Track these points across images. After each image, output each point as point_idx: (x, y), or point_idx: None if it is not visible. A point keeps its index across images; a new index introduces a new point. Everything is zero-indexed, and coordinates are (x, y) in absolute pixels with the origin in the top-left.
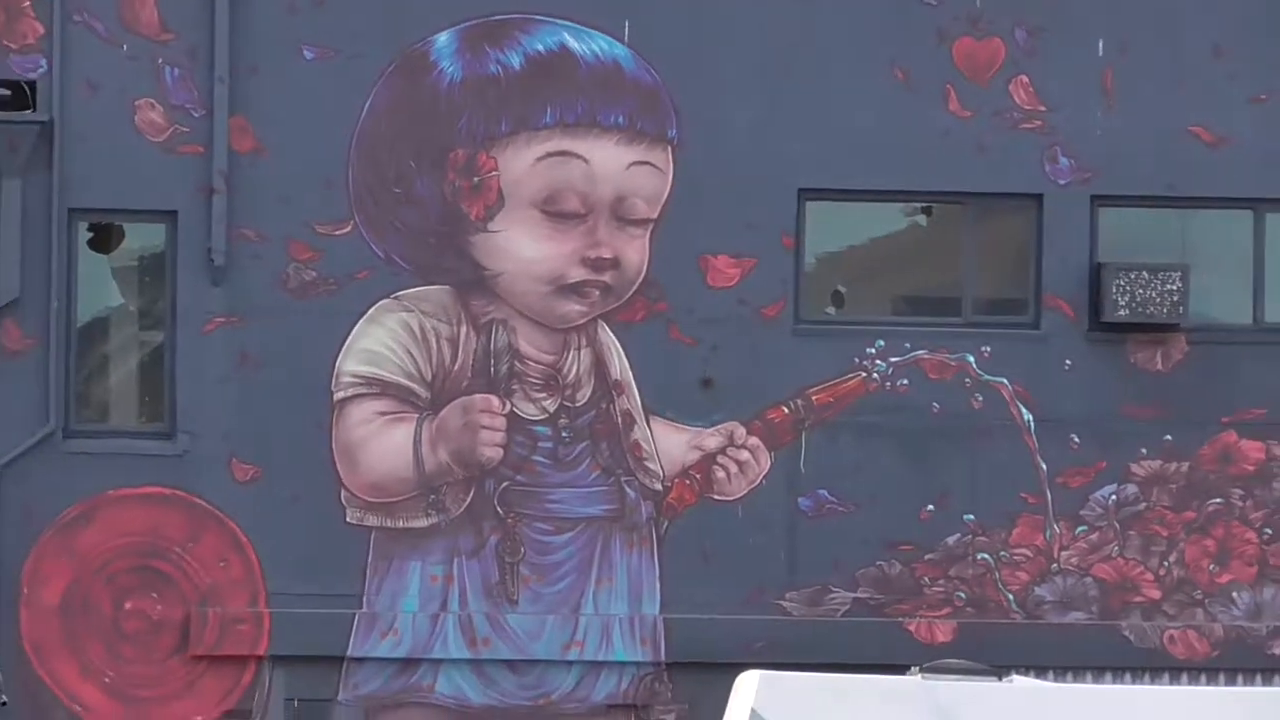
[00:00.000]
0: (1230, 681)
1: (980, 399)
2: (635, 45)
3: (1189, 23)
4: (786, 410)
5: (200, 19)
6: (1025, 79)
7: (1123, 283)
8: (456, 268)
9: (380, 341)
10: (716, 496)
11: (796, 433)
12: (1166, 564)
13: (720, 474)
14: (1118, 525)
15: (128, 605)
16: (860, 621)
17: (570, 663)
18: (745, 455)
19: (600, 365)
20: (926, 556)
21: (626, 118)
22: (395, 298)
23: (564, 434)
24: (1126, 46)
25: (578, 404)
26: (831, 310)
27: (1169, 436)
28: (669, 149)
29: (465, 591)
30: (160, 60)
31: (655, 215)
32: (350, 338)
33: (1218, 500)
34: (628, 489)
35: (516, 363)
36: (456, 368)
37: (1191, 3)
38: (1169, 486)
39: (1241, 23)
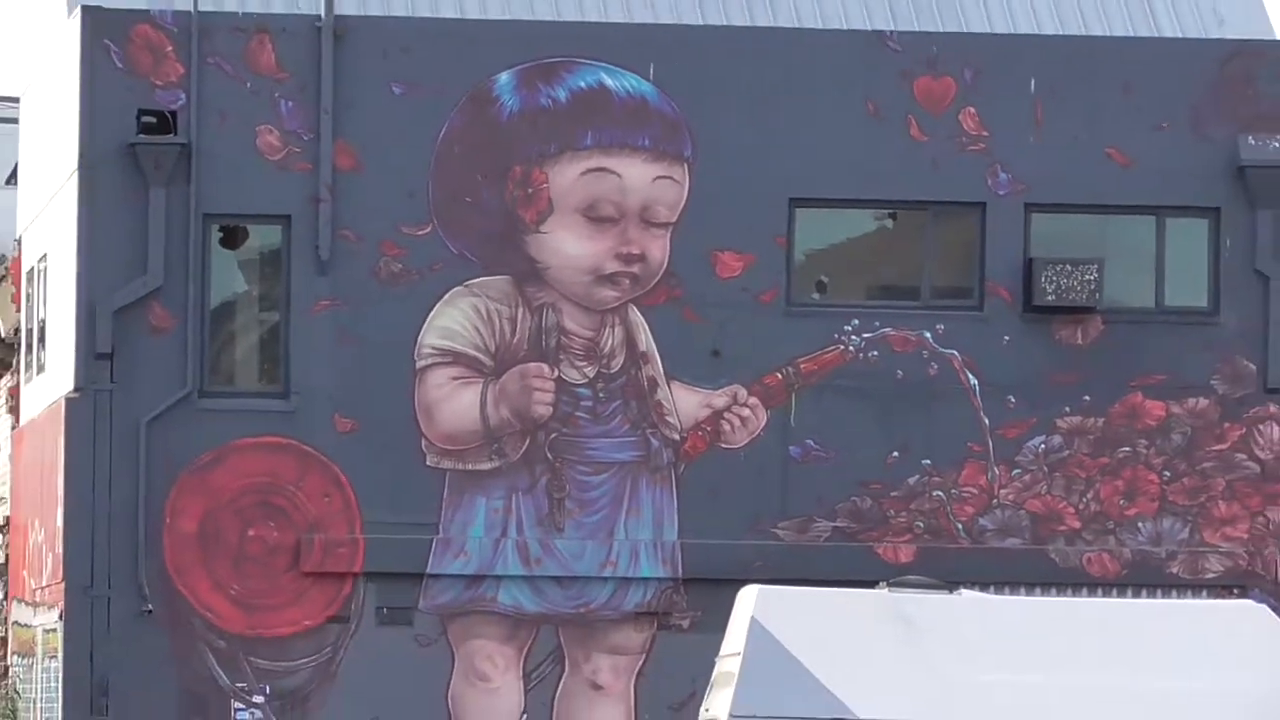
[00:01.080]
0: (1136, 594)
1: (935, 367)
2: (659, 83)
3: (1103, 67)
4: (780, 376)
5: (309, 61)
6: (972, 110)
7: (1050, 274)
8: (515, 261)
9: (454, 320)
10: (723, 445)
11: (788, 394)
12: (1085, 500)
13: (726, 427)
14: (1046, 469)
15: (250, 532)
16: (838, 546)
17: (606, 578)
18: (746, 412)
19: (630, 339)
20: (892, 493)
21: (651, 141)
22: (465, 285)
23: (600, 394)
24: (1053, 85)
25: (612, 371)
26: (816, 296)
27: (1087, 397)
28: (685, 166)
29: (521, 521)
30: (277, 94)
31: (674, 219)
32: (429, 317)
33: (1126, 449)
34: (652, 439)
35: (562, 337)
36: (514, 341)
37: (1106, 50)
38: (1087, 437)
39: (1145, 66)
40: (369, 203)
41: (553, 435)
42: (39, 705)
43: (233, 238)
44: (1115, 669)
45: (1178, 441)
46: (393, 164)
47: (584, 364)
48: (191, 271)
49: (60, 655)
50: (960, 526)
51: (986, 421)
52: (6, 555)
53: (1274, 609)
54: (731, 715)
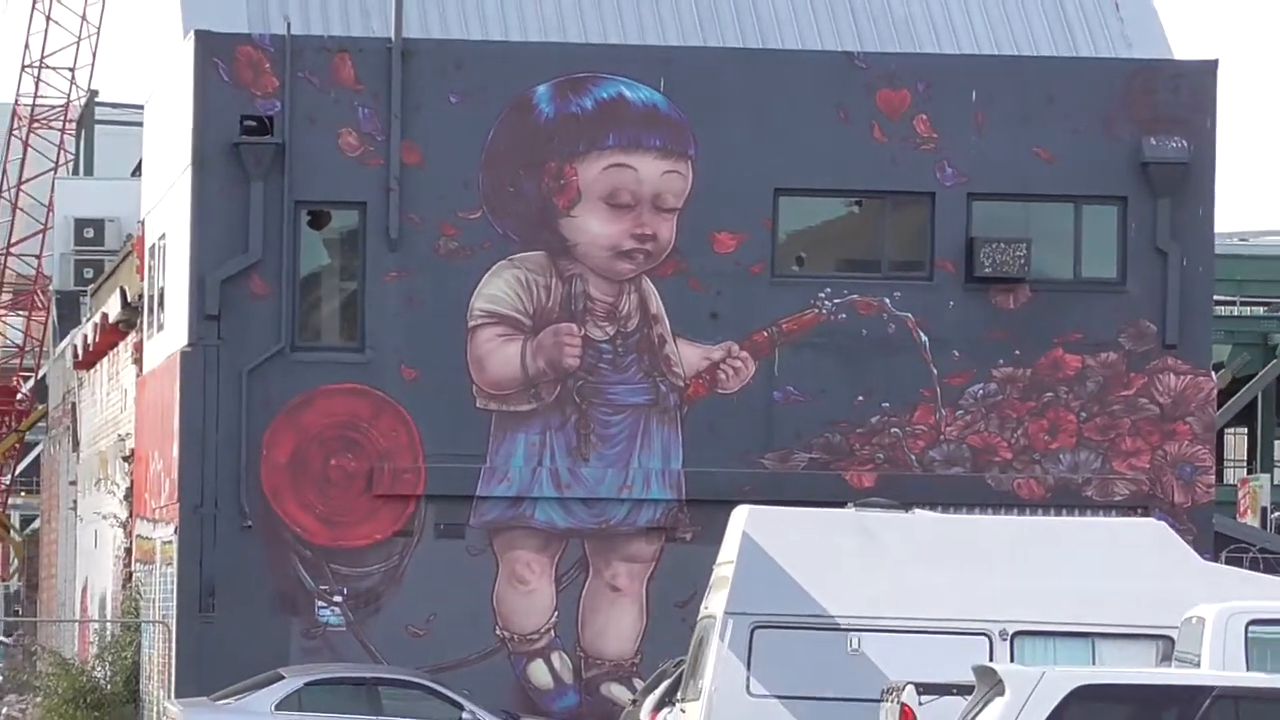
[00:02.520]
0: (1058, 513)
1: (893, 327)
2: (668, 94)
3: (1031, 81)
4: (766, 334)
5: (381, 76)
6: (924, 116)
7: (987, 251)
8: (549, 240)
9: (499, 288)
10: (719, 391)
11: (772, 349)
12: (1015, 436)
13: (722, 375)
14: (983, 410)
15: (332, 462)
16: (813, 473)
17: (623, 500)
18: (738, 363)
19: (643, 304)
20: (857, 430)
21: (661, 141)
22: (509, 259)
23: (619, 349)
24: (990, 96)
25: (628, 330)
26: (795, 268)
27: (1017, 352)
28: (689, 162)
29: (554, 452)
30: (355, 103)
31: (680, 205)
32: (479, 286)
33: (1049, 394)
34: (661, 385)
35: (588, 302)
36: (549, 305)
37: (1033, 67)
38: (1017, 385)
39: (1066, 80)
40: (430, 192)
41: (579, 383)
42: (157, 604)
43: (318, 220)
44: (1041, 573)
45: (1092, 388)
46: (450, 160)
47: (605, 324)
48: (284, 248)
49: (175, 563)
50: (913, 457)
51: (935, 371)
52: (132, 481)
53: (1171, 526)
54: (726, 612)
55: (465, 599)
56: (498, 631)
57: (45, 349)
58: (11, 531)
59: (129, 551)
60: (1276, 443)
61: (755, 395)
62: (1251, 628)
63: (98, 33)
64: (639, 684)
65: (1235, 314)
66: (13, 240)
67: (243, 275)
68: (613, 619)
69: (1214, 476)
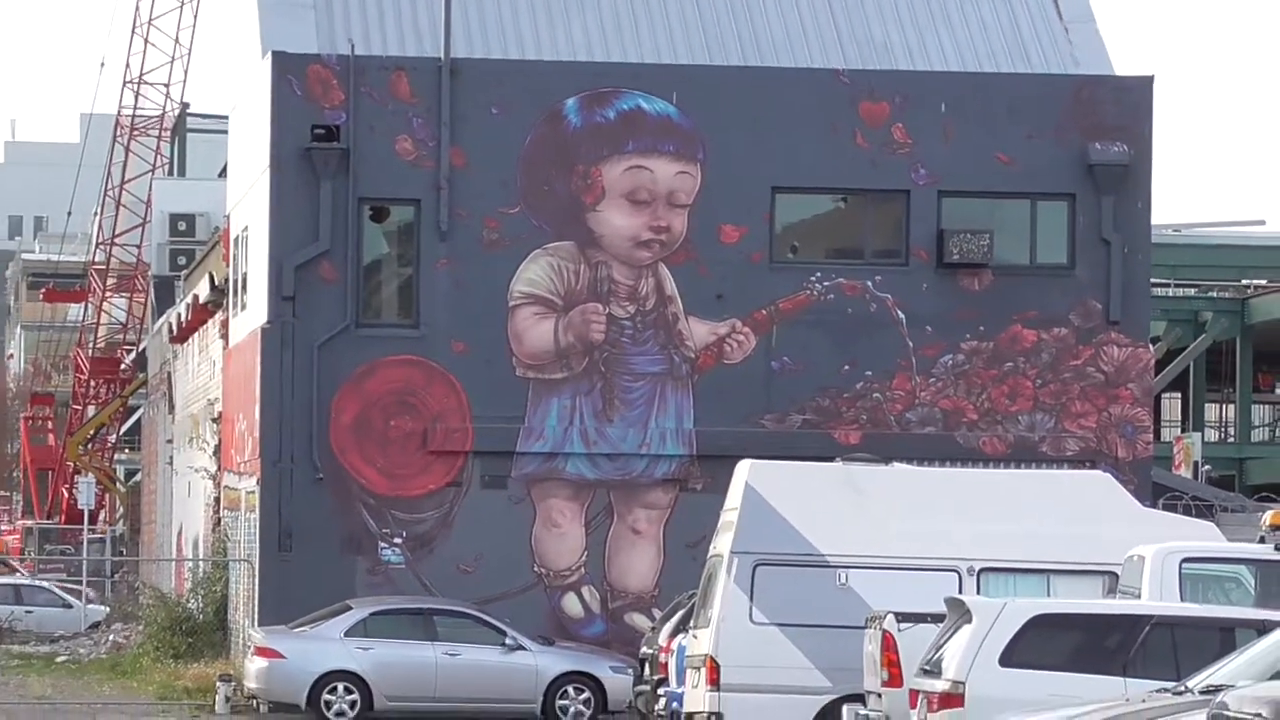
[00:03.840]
0: (1017, 466)
1: (874, 306)
2: (680, 105)
3: (993, 94)
4: (765, 312)
5: (433, 91)
6: (900, 125)
7: (955, 241)
8: (578, 232)
9: (535, 273)
10: (725, 362)
11: (770, 325)
12: (980, 400)
13: (728, 348)
14: (953, 378)
15: (391, 423)
16: (806, 432)
17: (642, 455)
18: (741, 338)
19: (659, 286)
20: (843, 395)
21: (674, 147)
22: (543, 248)
23: (638, 325)
24: (958, 107)
25: (646, 309)
26: (790, 256)
27: (981, 328)
28: (699, 164)
29: (583, 414)
30: (410, 113)
31: (690, 202)
32: (518, 271)
33: (1009, 363)
34: (675, 356)
35: (611, 285)
36: (578, 288)
37: (994, 82)
38: (982, 355)
39: (1022, 93)
40: (475, 190)
41: (604, 354)
42: (242, 545)
43: (379, 215)
44: (1003, 518)
45: (1046, 359)
46: (491, 163)
47: (626, 304)
48: (349, 239)
49: (257, 510)
50: (892, 418)
51: (911, 344)
52: (220, 439)
53: (1115, 477)
54: (732, 552)
55: (507, 541)
56: (535, 569)
57: (145, 326)
58: (117, 484)
59: (218, 500)
60: (1206, 406)
61: (756, 365)
62: (1184, 565)
63: (188, 53)
64: (657, 613)
65: (1170, 295)
66: (117, 232)
67: (314, 262)
68: (634, 558)
69: (1152, 435)
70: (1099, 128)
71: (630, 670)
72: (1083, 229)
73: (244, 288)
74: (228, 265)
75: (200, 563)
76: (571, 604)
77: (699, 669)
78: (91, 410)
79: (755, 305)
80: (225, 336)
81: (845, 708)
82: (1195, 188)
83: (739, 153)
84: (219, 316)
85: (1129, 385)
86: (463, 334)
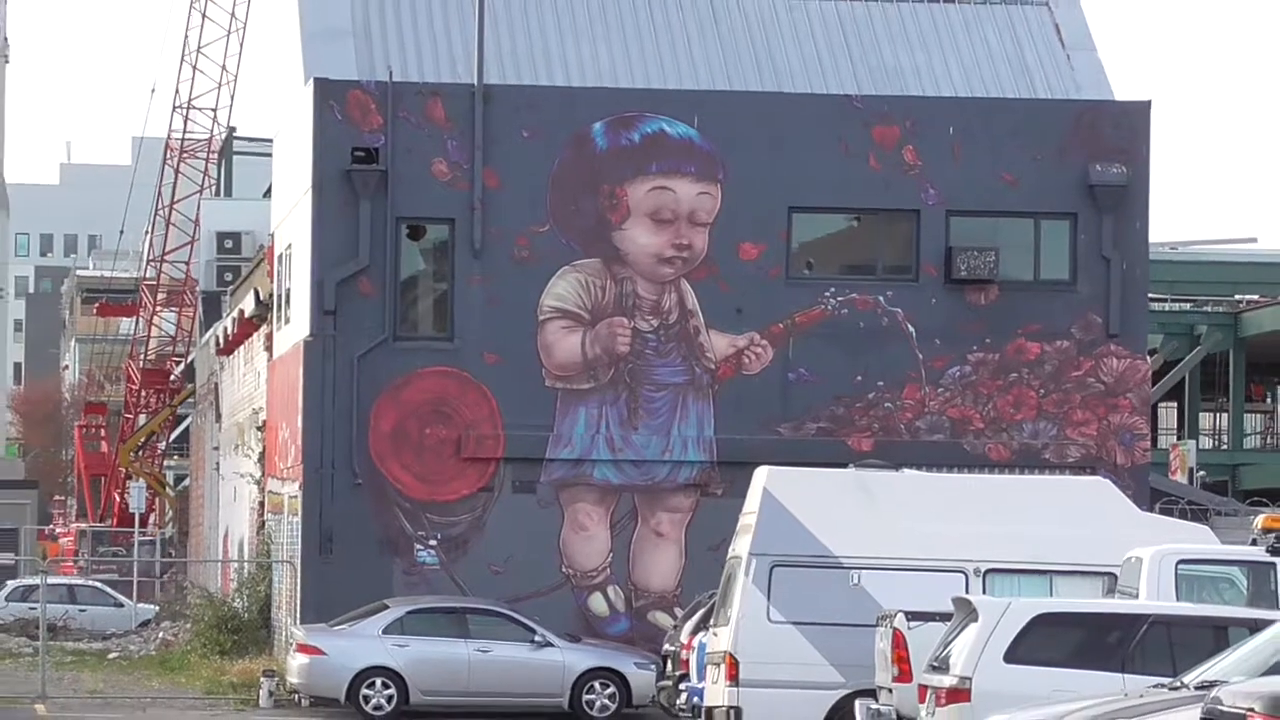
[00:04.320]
0: (1021, 472)
1: (886, 320)
2: (701, 129)
3: (999, 118)
4: (782, 325)
5: (467, 115)
6: (910, 148)
7: (963, 257)
8: (604, 249)
9: (564, 288)
10: (744, 373)
11: (787, 338)
12: (986, 409)
13: (746, 360)
14: (960, 388)
15: (427, 431)
16: (821, 439)
17: (665, 461)
18: (759, 350)
19: (681, 301)
20: (856, 404)
21: (696, 168)
22: (571, 265)
23: (661, 338)
24: (965, 130)
25: (669, 322)
26: (806, 272)
27: (988, 340)
28: (719, 185)
29: (609, 422)
30: (445, 137)
31: (711, 221)
32: (548, 286)
33: (1014, 374)
34: (696, 367)
35: (636, 299)
36: (604, 302)
37: (1000, 107)
38: (988, 367)
39: (1027, 117)
40: (506, 210)
41: (629, 366)
42: (285, 548)
43: (416, 233)
44: (1007, 521)
45: (1049, 370)
46: (522, 184)
47: (650, 317)
48: (387, 256)
49: (300, 513)
50: (903, 426)
51: (920, 356)
52: (264, 446)
53: (1114, 483)
54: (750, 553)
55: (536, 543)
56: (563, 569)
57: (193, 339)
58: (166, 488)
59: (262, 504)
60: (1201, 414)
61: (773, 376)
62: (1180, 566)
63: (235, 80)
64: (679, 612)
65: (1166, 309)
66: (167, 250)
67: (353, 278)
68: (657, 559)
69: (1149, 442)
70: (1099, 150)
71: (653, 666)
72: (1084, 246)
73: (287, 302)
74: (272, 281)
75: (245, 564)
76: (597, 603)
77: (719, 665)
78: (142, 419)
79: (773, 319)
80: (269, 349)
81: (858, 703)
82: (1191, 207)
83: (757, 174)
84: (263, 330)
85: (1127, 395)
86: (495, 346)
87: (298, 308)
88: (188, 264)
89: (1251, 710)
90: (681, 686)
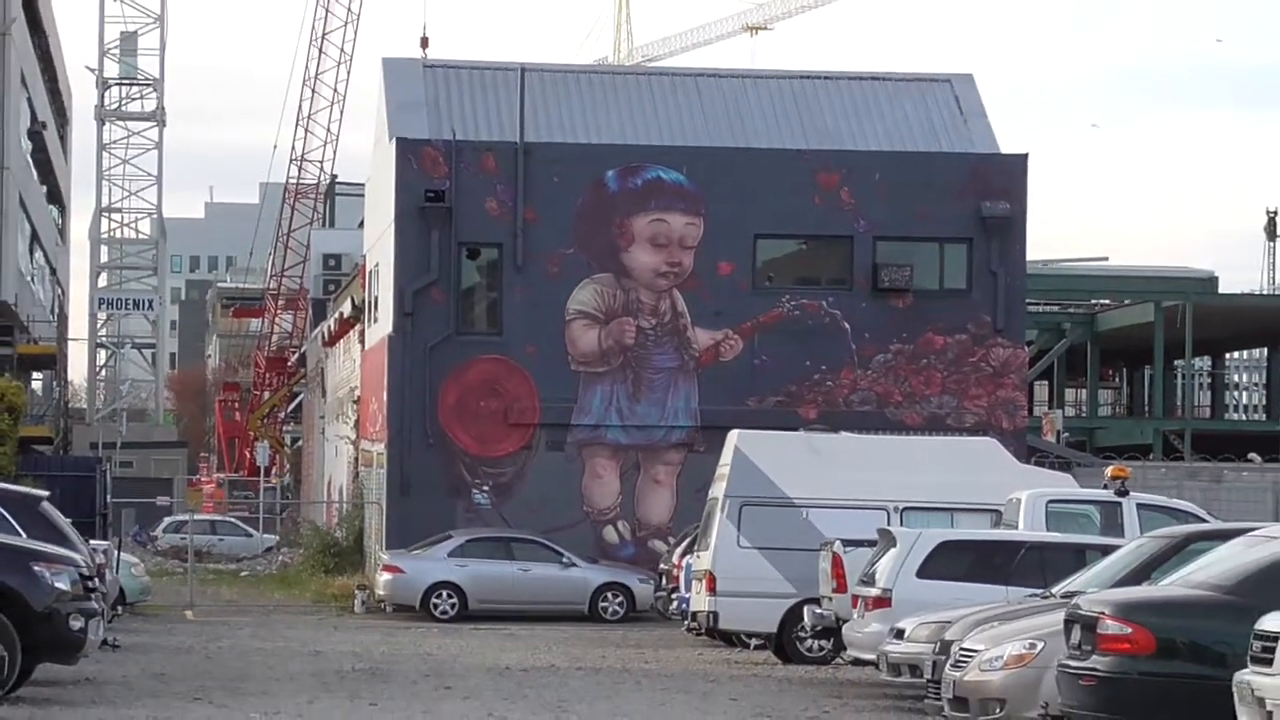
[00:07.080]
0: (930, 434)
1: (828, 319)
2: (689, 175)
3: (915, 167)
4: (750, 324)
5: (511, 165)
6: (846, 189)
7: (886, 272)
8: (615, 266)
9: (585, 296)
10: (721, 360)
11: (754, 334)
12: (904, 386)
13: (723, 350)
14: (884, 371)
15: (481, 403)
16: (779, 409)
17: (661, 426)
18: (733, 342)
19: (674, 306)
20: (805, 383)
21: (684, 205)
22: (590, 278)
23: (659, 333)
24: (889, 177)
25: (664, 321)
26: (768, 283)
27: (905, 335)
28: (702, 218)
29: (619, 397)
30: (495, 182)
31: (696, 245)
32: (572, 294)
33: (924, 360)
34: (685, 356)
35: (639, 304)
36: (615, 306)
37: (916, 159)
38: (905, 355)
39: (935, 167)
40: (541, 237)
41: (634, 354)
42: (374, 491)
43: (473, 254)
44: (920, 472)
45: (950, 357)
46: (554, 218)
47: (650, 318)
48: (452, 271)
49: (385, 465)
50: (840, 400)
51: (854, 347)
52: (358, 416)
53: (1000, 442)
54: (725, 496)
55: (564, 488)
56: (583, 509)
57: (305, 335)
58: (285, 448)
59: (356, 459)
60: (1066, 390)
61: (743, 362)
62: (1050, 505)
63: (336, 138)
64: (672, 540)
65: (1040, 311)
66: (285, 267)
67: (426, 288)
68: (655, 500)
69: (1026, 412)
70: (988, 191)
71: (652, 581)
72: (977, 264)
73: (376, 307)
74: (364, 291)
75: (344, 504)
76: (609, 534)
77: (701, 580)
78: (267, 395)
79: (742, 319)
80: (362, 342)
81: (806, 608)
82: (1058, 233)
83: (730, 210)
84: (358, 328)
85: (1010, 376)
86: (533, 340)
87: (384, 311)
88: (301, 278)
89: (1103, 613)
90: (673, 596)
